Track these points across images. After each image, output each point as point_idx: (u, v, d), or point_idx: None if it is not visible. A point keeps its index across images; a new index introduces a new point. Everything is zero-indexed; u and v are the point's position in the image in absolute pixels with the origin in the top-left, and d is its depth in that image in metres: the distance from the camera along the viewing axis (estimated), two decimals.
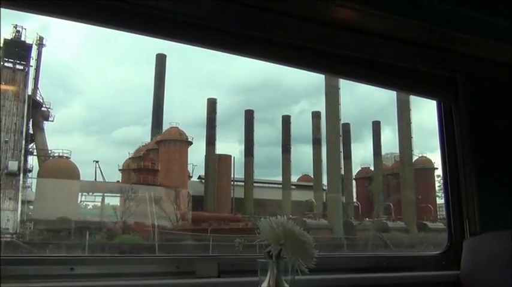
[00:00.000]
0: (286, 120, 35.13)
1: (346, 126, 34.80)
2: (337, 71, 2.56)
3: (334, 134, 30.01)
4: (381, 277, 2.37)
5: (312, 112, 34.17)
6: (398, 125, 31.59)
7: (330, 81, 28.61)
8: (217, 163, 32.54)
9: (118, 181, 29.91)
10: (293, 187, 34.50)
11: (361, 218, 29.19)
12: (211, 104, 33.71)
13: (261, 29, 2.19)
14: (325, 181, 31.23)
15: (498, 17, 2.35)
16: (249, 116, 34.74)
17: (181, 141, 31.71)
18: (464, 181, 2.59)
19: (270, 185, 35.10)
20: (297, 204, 30.57)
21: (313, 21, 2.23)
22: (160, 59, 34.54)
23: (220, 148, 33.68)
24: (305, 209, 29.01)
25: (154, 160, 30.41)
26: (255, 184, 33.79)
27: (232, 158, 33.31)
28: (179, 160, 30.72)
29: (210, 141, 33.21)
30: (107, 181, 29.29)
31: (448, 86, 2.66)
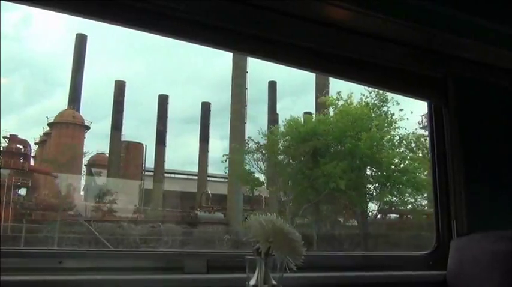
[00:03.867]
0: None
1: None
2: (329, 71, 2.58)
3: (238, 120, 26.69)
4: (367, 275, 2.38)
5: None
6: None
7: (238, 63, 25.80)
8: (124, 151, 29.12)
9: None
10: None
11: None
12: (119, 86, 29.97)
13: (255, 26, 2.20)
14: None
15: (490, 21, 2.38)
16: (163, 102, 30.95)
17: (75, 125, 27.98)
18: (452, 182, 2.62)
19: (189, 176, 31.37)
20: (218, 197, 26.74)
21: (307, 20, 2.25)
22: (80, 40, 30.34)
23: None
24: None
25: (24, 143, 26.26)
26: (168, 175, 30.11)
27: (144, 146, 29.56)
28: (71, 145, 27.08)
29: (116, 127, 29.43)
30: None
31: (439, 88, 2.68)
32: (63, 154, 26.16)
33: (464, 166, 2.60)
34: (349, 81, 2.74)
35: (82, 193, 25.41)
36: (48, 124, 28.01)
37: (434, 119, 2.75)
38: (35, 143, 28.18)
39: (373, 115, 15.53)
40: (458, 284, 2.40)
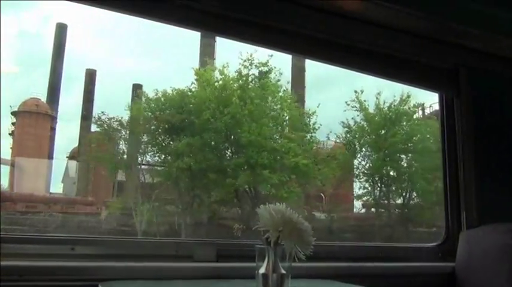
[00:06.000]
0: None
1: None
2: (339, 61, 2.56)
3: None
4: (376, 266, 2.39)
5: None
6: None
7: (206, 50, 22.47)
8: (96, 142, 28.12)
9: None
10: None
11: None
12: (89, 75, 27.73)
13: (265, 16, 2.19)
14: None
15: (504, 11, 2.35)
16: (136, 91, 29.51)
17: (38, 114, 26.21)
18: (463, 174, 2.60)
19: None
20: None
21: (317, 10, 2.23)
22: (60, 29, 28.45)
23: None
24: None
25: None
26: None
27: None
28: (34, 134, 25.32)
29: (86, 117, 26.50)
30: None
31: (451, 79, 2.66)
32: (26, 143, 24.90)
33: (475, 157, 2.59)
34: (358, 71, 2.73)
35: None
36: (12, 113, 26.48)
37: (445, 111, 2.73)
38: (9, 134, 27.07)
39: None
40: (467, 276, 2.40)
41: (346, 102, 13.60)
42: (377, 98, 13.44)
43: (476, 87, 2.64)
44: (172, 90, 13.78)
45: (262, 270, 1.41)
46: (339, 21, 2.30)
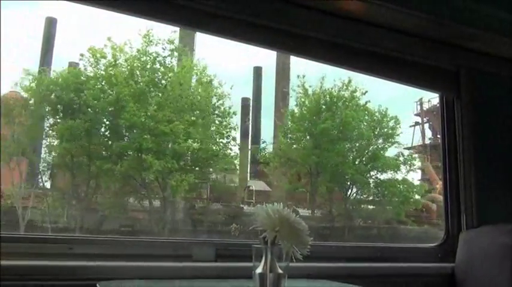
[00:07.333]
0: None
1: None
2: (339, 62, 2.56)
3: None
4: (375, 267, 2.39)
5: None
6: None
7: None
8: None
9: None
10: None
11: None
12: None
13: (268, 17, 2.19)
14: None
15: (505, 12, 2.35)
16: None
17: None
18: (463, 174, 2.60)
19: None
20: None
21: (319, 11, 2.23)
22: (49, 23, 29.59)
23: None
24: None
25: None
26: None
27: None
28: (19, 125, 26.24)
29: None
30: None
31: (452, 80, 2.66)
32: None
33: (475, 158, 2.58)
34: (359, 72, 2.73)
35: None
36: None
37: (446, 111, 2.73)
38: None
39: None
40: (466, 276, 2.40)
41: (291, 88, 12.44)
42: (321, 83, 11.91)
43: (476, 89, 2.64)
44: (63, 71, 11.71)
45: (259, 270, 1.40)
46: (340, 22, 2.30)
